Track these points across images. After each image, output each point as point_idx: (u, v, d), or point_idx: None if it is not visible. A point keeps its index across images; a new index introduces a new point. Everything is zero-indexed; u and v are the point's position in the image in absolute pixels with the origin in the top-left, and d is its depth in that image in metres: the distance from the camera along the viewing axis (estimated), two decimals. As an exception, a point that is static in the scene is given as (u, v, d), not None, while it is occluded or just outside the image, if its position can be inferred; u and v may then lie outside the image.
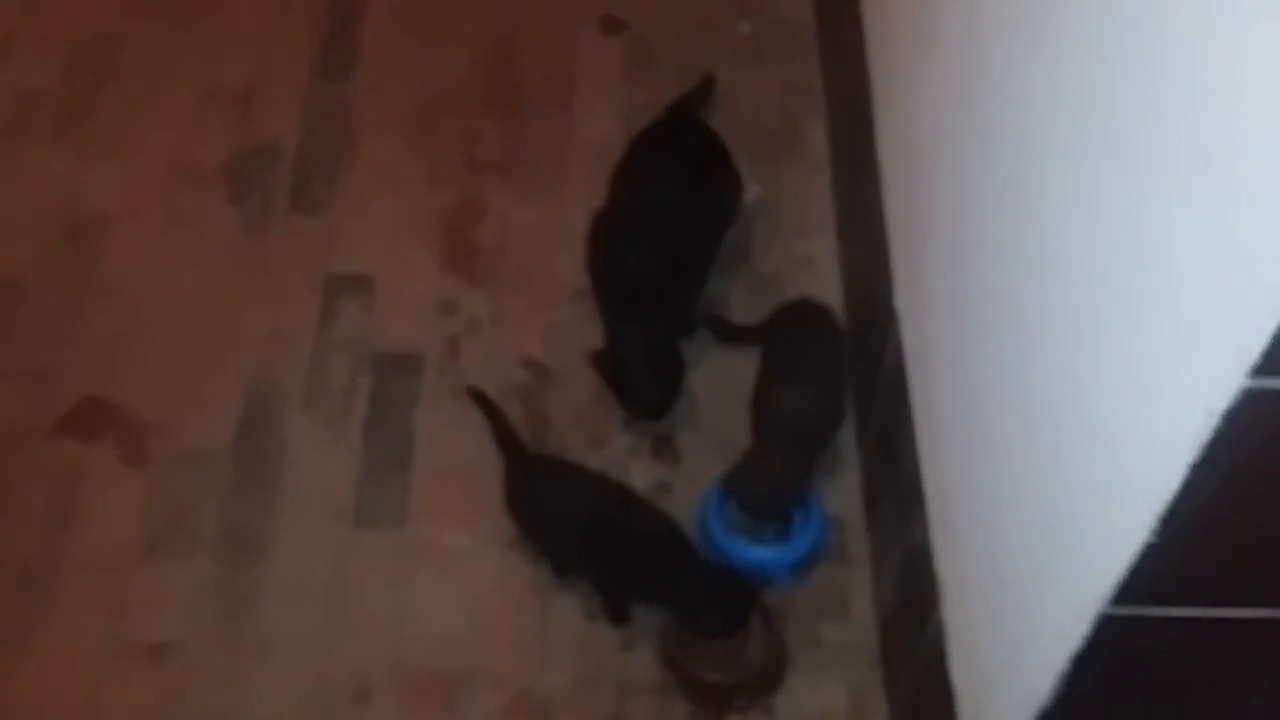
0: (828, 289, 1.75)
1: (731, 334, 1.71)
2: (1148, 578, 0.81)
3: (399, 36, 2.07)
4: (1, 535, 1.54)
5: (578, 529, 1.48)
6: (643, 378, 1.59)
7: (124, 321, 1.73)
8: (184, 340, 1.72)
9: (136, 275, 1.78)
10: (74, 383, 1.67)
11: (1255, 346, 0.65)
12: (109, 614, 1.49)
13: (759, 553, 1.51)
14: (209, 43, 2.05)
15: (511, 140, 1.95)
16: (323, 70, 2.02)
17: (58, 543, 1.54)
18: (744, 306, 1.75)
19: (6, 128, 1.95)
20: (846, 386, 1.62)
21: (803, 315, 1.66)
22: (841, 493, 1.59)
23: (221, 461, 1.61)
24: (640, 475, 1.60)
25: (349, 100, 1.98)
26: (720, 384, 1.68)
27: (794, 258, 1.81)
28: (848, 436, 1.62)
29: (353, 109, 1.97)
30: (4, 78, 2.00)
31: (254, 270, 1.79)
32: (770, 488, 1.50)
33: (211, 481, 1.59)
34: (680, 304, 1.69)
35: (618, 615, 1.49)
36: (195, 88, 1.99)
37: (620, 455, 1.62)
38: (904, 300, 1.43)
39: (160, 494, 1.58)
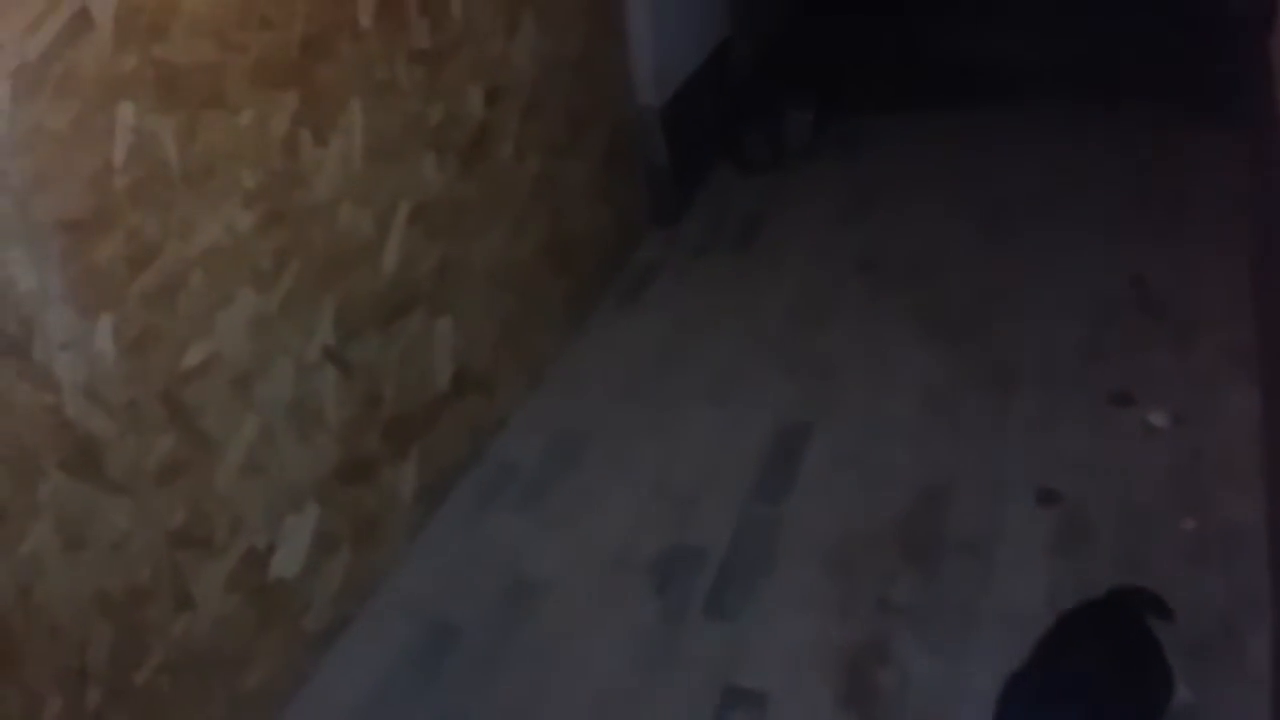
0: (1262, 825, 1.55)
1: None
2: None
3: (835, 472, 2.21)
4: None
5: None
6: None
7: (534, 685, 1.86)
8: (582, 715, 1.80)
9: (557, 643, 1.92)
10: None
11: None
12: None
13: None
14: (666, 450, 2.30)
15: (926, 589, 1.96)
16: (760, 490, 2.19)
17: None
18: (1160, 824, 1.58)
19: (483, 492, 2.25)
20: None
21: None
22: None
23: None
24: None
25: (778, 521, 2.11)
26: None
27: (1223, 779, 1.63)
28: None
29: (780, 530, 2.10)
30: (494, 450, 2.33)
31: (660, 662, 1.88)
32: None
33: None
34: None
35: None
36: (645, 486, 2.22)
37: None
38: None
39: None
